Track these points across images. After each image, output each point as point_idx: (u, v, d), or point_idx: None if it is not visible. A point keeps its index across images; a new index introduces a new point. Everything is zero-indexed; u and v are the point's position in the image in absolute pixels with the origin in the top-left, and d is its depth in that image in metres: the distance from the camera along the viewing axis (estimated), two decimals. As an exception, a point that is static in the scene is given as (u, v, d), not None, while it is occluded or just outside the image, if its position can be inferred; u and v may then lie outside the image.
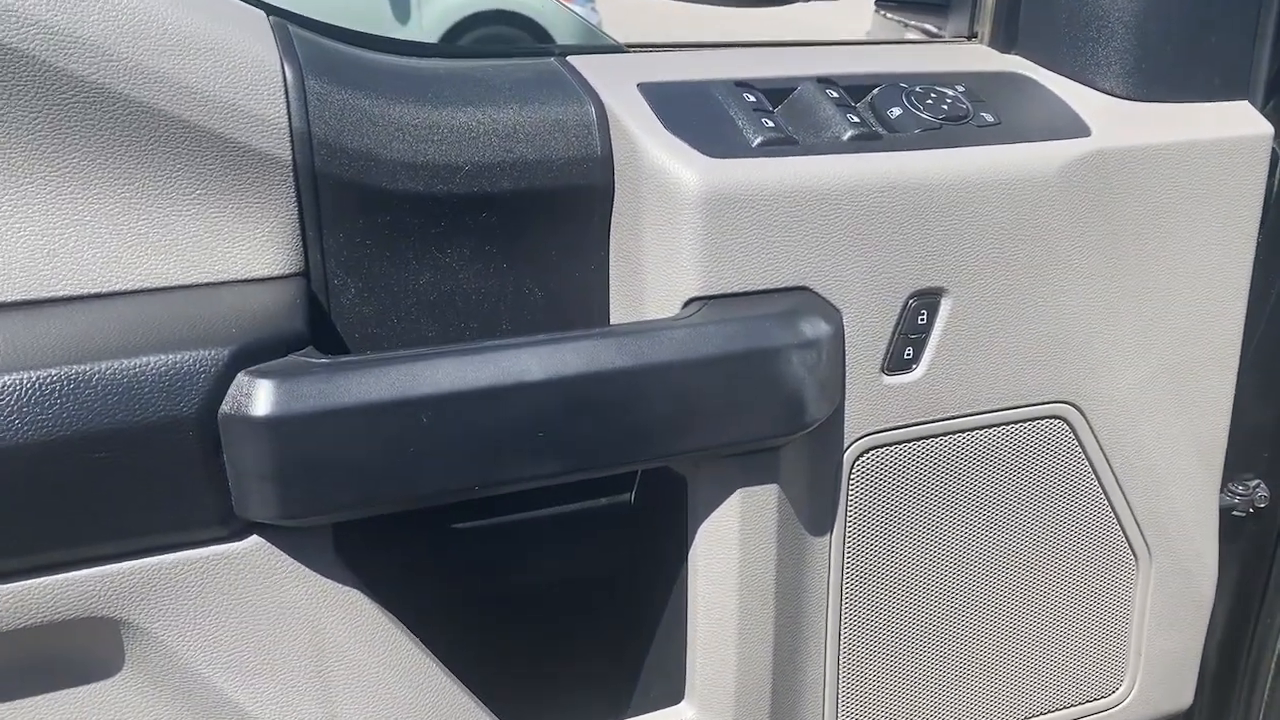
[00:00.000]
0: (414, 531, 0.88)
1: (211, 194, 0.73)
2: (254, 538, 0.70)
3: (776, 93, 0.87)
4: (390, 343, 0.81)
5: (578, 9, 7.28)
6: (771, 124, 0.82)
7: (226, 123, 0.71)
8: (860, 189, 0.81)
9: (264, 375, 0.66)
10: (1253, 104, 0.98)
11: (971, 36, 1.04)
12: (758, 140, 0.81)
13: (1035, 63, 0.98)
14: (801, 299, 0.81)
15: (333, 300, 0.79)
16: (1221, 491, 1.15)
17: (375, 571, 0.78)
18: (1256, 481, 1.18)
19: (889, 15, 1.51)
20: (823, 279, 0.82)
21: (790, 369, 0.77)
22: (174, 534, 0.68)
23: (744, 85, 0.86)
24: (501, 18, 7.26)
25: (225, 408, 0.66)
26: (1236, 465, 1.15)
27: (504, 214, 0.81)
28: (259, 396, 0.66)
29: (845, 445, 0.86)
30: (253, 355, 0.67)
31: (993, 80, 0.94)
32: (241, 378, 0.66)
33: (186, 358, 0.66)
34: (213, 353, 0.66)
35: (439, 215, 0.79)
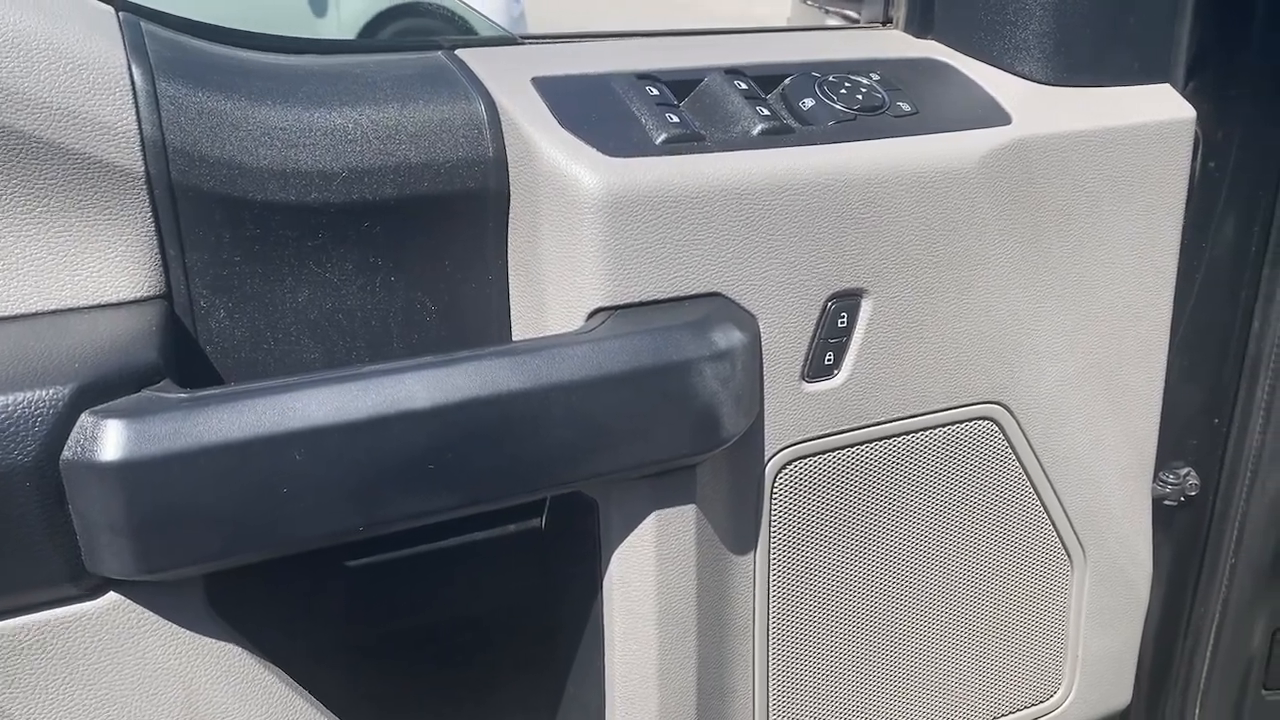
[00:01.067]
0: (300, 572, 0.81)
1: (54, 211, 0.65)
2: (111, 595, 0.63)
3: (682, 85, 0.81)
4: (268, 368, 0.74)
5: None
6: (677, 119, 0.77)
7: (66, 132, 0.64)
8: (772, 187, 0.76)
9: (110, 415, 0.59)
10: (1173, 86, 0.95)
11: (886, 22, 1.00)
12: (662, 137, 0.76)
13: (952, 48, 0.94)
14: (714, 306, 0.75)
15: (199, 324, 0.72)
16: (1152, 481, 1.13)
17: (258, 620, 0.72)
18: (1187, 470, 1.16)
19: (808, 1, 1.46)
20: (736, 284, 0.77)
21: (703, 382, 0.72)
22: (17, 595, 0.61)
23: (647, 78, 0.80)
24: (422, 10, 7.12)
25: (67, 453, 0.59)
26: (1166, 454, 1.13)
27: (388, 223, 0.74)
28: (105, 439, 0.58)
29: (766, 458, 0.81)
30: (99, 392, 0.60)
31: (909, 67, 0.90)
32: (85, 419, 0.59)
33: (20, 399, 0.58)
34: (51, 392, 0.59)
35: (316, 226, 0.73)
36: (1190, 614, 1.20)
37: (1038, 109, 0.88)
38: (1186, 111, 0.92)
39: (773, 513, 0.83)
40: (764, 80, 0.84)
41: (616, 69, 0.81)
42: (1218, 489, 1.16)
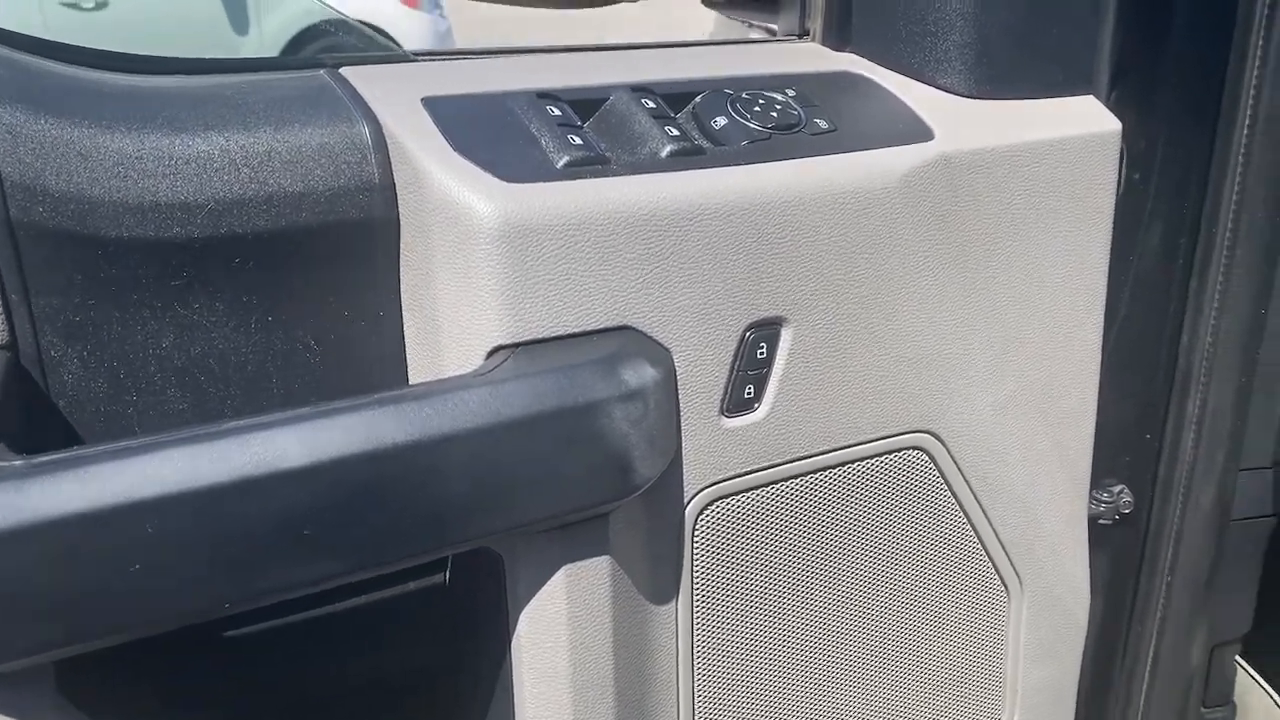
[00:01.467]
0: (172, 647, 0.74)
1: None
2: None
3: (585, 104, 0.76)
4: (131, 423, 0.67)
5: (425, 15, 7.09)
6: (579, 141, 0.72)
7: None
8: (684, 212, 0.71)
9: None
10: (1096, 97, 0.93)
11: (803, 34, 0.96)
12: (563, 160, 0.70)
13: (872, 61, 0.90)
14: (624, 341, 0.70)
15: (50, 377, 0.64)
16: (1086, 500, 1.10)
17: (123, 705, 0.64)
18: (1120, 487, 1.14)
19: (732, 16, 1.43)
20: (647, 316, 0.72)
21: (612, 425, 0.67)
22: None
23: (548, 97, 0.75)
24: (346, 28, 7.00)
25: None
26: (1099, 471, 1.11)
27: (263, 258, 0.68)
28: None
29: (686, 500, 0.76)
30: None
31: (826, 82, 0.86)
32: None
33: None
34: None
35: (180, 265, 0.66)
36: (1128, 634, 1.17)
37: (961, 123, 0.84)
38: (1112, 124, 0.89)
39: (695, 557, 0.78)
40: (674, 98, 0.79)
41: (515, 87, 0.76)
42: (1152, 506, 1.14)
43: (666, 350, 0.72)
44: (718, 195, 0.72)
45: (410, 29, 7.04)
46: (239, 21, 6.81)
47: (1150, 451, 1.11)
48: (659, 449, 0.70)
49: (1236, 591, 1.22)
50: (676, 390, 0.73)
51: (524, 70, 0.80)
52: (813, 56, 0.91)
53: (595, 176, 0.70)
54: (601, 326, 0.70)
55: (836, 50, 0.92)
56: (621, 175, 0.71)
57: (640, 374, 0.68)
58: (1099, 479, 1.12)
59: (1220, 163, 0.99)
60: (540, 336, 0.68)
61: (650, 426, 0.69)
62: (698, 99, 0.79)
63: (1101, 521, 1.14)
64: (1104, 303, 0.93)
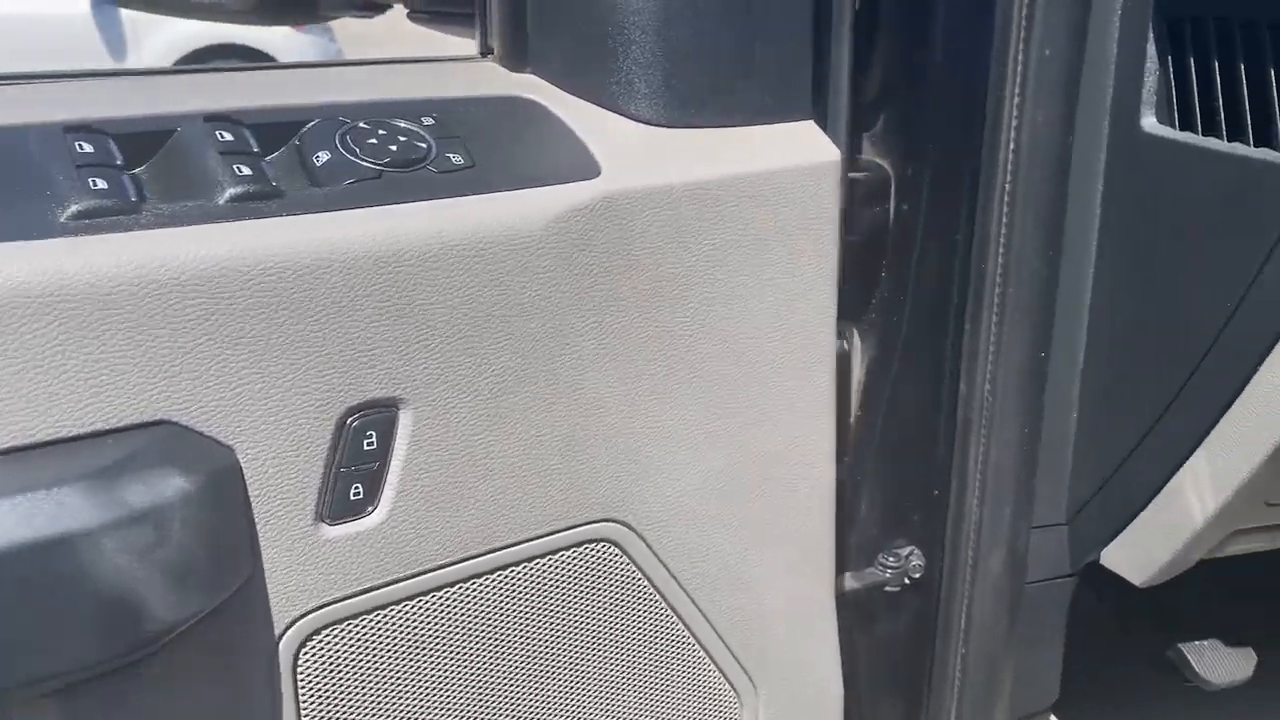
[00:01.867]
0: None
1: None
2: None
3: (143, 139, 0.61)
4: None
5: (310, 38, 6.88)
6: (104, 185, 0.56)
7: None
8: (241, 271, 0.57)
9: None
10: (830, 125, 0.80)
11: (486, 53, 0.82)
12: (72, 210, 0.55)
13: (553, 83, 0.77)
14: (144, 443, 0.55)
15: None
16: (872, 565, 0.98)
17: None
18: (909, 549, 1.02)
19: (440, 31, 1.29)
20: (196, 405, 0.56)
21: (102, 560, 0.51)
22: None
23: (82, 130, 0.60)
24: (231, 52, 6.78)
25: None
26: (885, 533, 0.99)
27: None
28: None
29: (278, 632, 0.61)
30: None
31: (483, 108, 0.72)
32: None
33: None
34: None
35: None
36: (926, 713, 1.06)
37: (640, 157, 0.71)
38: (830, 153, 0.77)
39: (302, 701, 0.63)
40: (270, 129, 0.64)
41: (46, 118, 0.60)
42: (943, 569, 1.02)
43: (227, 448, 0.57)
44: (289, 250, 0.58)
45: (296, 51, 6.84)
46: (116, 45, 6.54)
47: (938, 509, 1.00)
48: (197, 581, 0.55)
49: (1039, 659, 1.11)
50: (245, 498, 0.58)
51: (77, 98, 0.64)
52: (486, 78, 0.77)
53: (115, 230, 0.55)
54: (125, 424, 0.55)
55: (515, 71, 0.78)
56: (155, 228, 0.56)
57: (153, 488, 0.53)
58: (886, 541, 1.00)
59: (986, 193, 0.88)
60: (23, 442, 0.52)
61: (174, 554, 0.53)
62: (305, 129, 0.65)
63: (889, 588, 1.02)
64: (834, 352, 0.81)
